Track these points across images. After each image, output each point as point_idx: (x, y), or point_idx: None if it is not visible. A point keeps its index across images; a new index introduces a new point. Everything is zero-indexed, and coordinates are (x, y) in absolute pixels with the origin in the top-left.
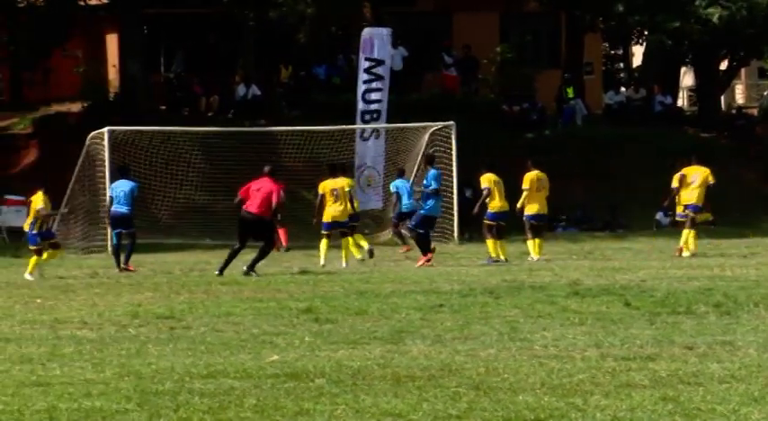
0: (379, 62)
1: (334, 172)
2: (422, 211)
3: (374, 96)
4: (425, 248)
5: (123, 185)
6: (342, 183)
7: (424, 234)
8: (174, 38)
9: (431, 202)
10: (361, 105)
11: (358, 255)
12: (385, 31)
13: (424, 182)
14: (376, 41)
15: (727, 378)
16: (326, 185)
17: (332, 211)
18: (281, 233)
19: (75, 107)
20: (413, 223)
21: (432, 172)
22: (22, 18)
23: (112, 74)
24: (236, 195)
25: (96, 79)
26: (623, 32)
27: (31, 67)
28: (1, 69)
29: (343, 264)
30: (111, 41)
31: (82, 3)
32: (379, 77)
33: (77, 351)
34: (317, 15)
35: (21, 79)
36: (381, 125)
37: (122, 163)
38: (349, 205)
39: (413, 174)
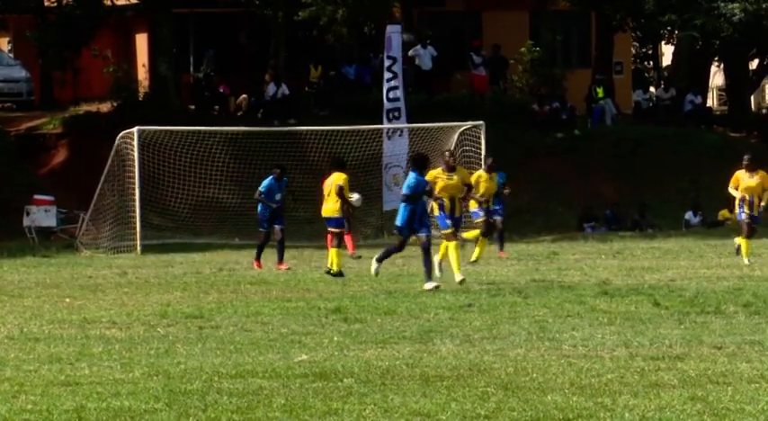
0: (395, 59)
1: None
2: None
3: (395, 94)
4: None
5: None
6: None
7: None
8: (203, 37)
9: None
10: (385, 104)
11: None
12: (398, 28)
13: None
14: (393, 39)
15: (756, 378)
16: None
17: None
18: (348, 239)
19: (105, 107)
20: None
21: None
22: (51, 18)
23: (142, 74)
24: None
25: (126, 79)
26: (653, 31)
27: (60, 66)
28: (32, 69)
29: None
30: (141, 41)
31: (109, 3)
32: (396, 75)
33: (106, 350)
34: (346, 16)
35: (51, 79)
36: (413, 125)
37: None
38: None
39: None
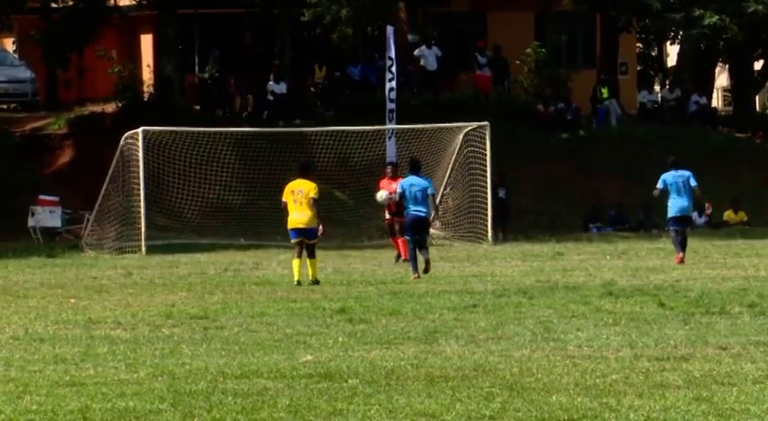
0: (393, 60)
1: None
2: None
3: (395, 95)
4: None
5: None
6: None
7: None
8: (208, 38)
9: None
10: (387, 104)
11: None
12: (392, 29)
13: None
14: (390, 39)
15: (761, 378)
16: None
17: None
18: (401, 243)
19: (110, 107)
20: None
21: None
22: (55, 18)
23: (147, 74)
24: (271, 195)
25: (131, 79)
26: (658, 32)
27: (62, 65)
28: (36, 70)
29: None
30: (146, 42)
31: (112, 3)
32: (394, 76)
33: (111, 351)
34: (351, 16)
35: (56, 80)
36: (417, 126)
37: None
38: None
39: (446, 175)
